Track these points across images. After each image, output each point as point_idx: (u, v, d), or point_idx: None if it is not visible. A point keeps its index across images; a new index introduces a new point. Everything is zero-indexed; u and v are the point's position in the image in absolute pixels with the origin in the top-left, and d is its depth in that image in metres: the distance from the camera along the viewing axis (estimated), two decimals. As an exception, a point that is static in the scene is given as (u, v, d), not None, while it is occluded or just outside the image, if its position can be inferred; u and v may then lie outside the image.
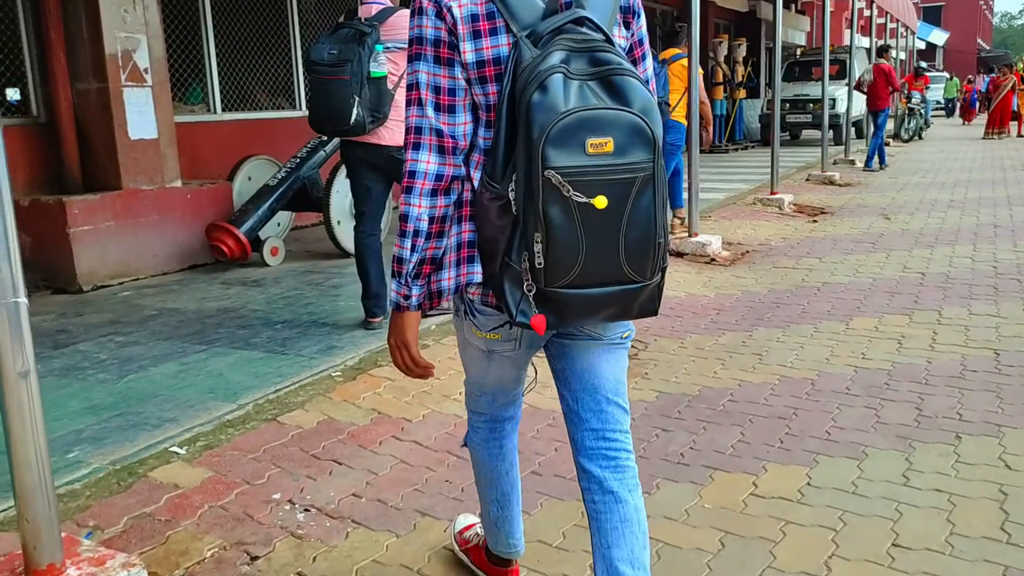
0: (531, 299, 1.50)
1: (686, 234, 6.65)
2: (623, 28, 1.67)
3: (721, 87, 17.37)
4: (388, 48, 4.09)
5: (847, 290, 5.37)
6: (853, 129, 15.88)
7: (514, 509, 2.09)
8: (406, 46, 3.31)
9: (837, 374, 3.81)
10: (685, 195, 7.02)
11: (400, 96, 4.12)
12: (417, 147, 1.58)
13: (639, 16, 1.69)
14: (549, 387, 3.67)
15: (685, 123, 7.11)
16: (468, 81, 1.58)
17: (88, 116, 5.88)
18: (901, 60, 26.37)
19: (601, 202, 1.41)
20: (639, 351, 4.23)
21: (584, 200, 1.40)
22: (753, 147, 18.09)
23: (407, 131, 1.61)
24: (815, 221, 8.22)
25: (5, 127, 5.77)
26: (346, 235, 6.29)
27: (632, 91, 1.45)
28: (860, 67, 16.76)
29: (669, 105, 7.02)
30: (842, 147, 14.93)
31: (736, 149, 17.56)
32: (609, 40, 1.52)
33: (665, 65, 7.19)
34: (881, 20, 21.80)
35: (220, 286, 5.66)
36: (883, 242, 7.00)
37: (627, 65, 1.47)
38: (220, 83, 7.54)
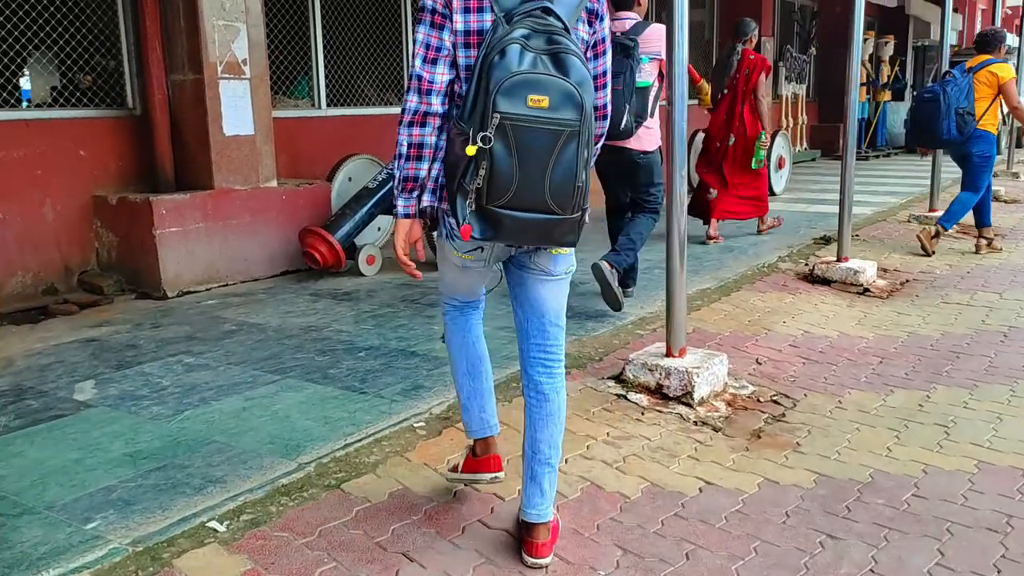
0: (471, 211, 1.91)
1: (833, 259, 5.75)
2: (587, 25, 2.08)
3: (863, 88, 16.00)
4: (650, 59, 4.54)
5: (1043, 338, 4.41)
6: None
7: (483, 383, 2.49)
8: (661, 56, 4.21)
9: (1056, 464, 2.93)
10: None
11: (654, 103, 4.66)
12: (408, 90, 2.08)
13: (602, 19, 2.11)
14: (676, 458, 2.98)
15: (995, 132, 6.45)
16: (454, 45, 2.04)
17: (182, 109, 5.51)
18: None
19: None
20: (786, 409, 3.46)
21: (506, 143, 1.85)
22: (896, 154, 16.62)
23: (408, 77, 2.09)
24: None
25: (99, 119, 5.48)
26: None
27: (573, 67, 1.88)
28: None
29: (973, 116, 6.28)
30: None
31: (877, 156, 16.16)
32: (567, 29, 1.93)
33: (970, 74, 6.40)
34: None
35: (308, 298, 5.18)
36: (1074, 275, 5.90)
37: (574, 48, 1.90)
38: (326, 76, 7.11)
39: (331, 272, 5.72)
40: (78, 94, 5.44)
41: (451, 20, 2.02)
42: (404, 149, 2.10)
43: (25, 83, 5.83)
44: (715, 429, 3.27)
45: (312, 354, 4.00)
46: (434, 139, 2.09)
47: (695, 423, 3.31)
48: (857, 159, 15.30)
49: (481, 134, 1.84)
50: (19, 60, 5.13)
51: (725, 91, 7.41)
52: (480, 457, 2.53)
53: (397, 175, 2.13)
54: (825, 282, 5.57)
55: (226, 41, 5.44)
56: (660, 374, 3.53)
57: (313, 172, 6.68)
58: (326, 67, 7.09)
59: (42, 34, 5.22)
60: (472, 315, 2.50)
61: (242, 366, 3.83)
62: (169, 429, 3.09)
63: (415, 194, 2.15)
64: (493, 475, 2.52)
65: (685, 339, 3.66)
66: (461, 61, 2.05)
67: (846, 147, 5.63)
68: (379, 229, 6.53)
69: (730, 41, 13.20)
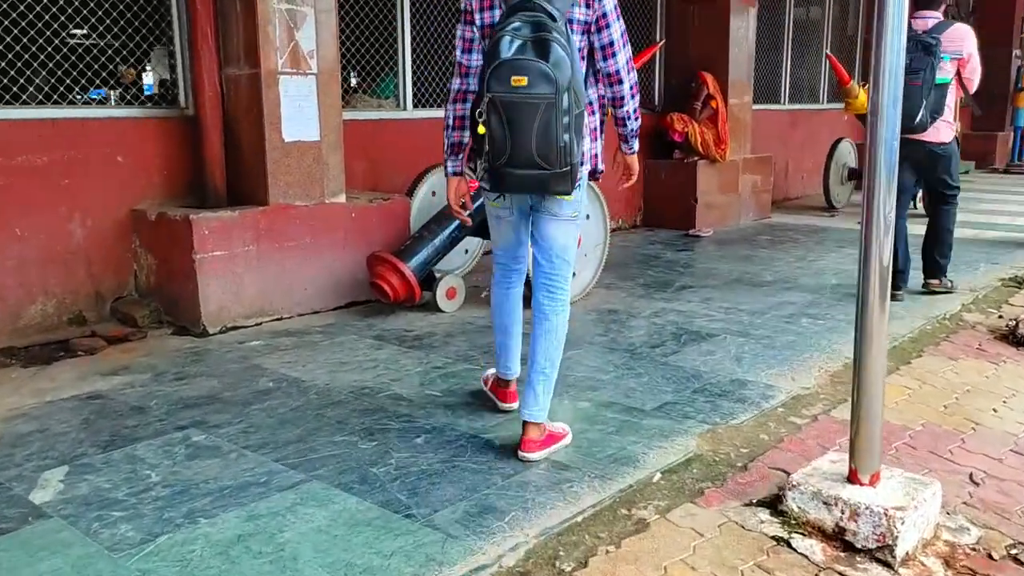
0: (484, 170, 2.55)
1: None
2: (584, 7, 2.60)
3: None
4: (951, 58, 4.74)
5: None
6: None
7: (510, 341, 3.07)
8: (962, 56, 4.73)
9: None
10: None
11: (951, 99, 4.85)
12: (453, 75, 2.81)
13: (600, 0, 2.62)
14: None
15: None
16: (482, 37, 2.68)
17: (236, 110, 4.67)
18: None
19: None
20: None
21: (498, 115, 2.44)
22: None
23: (453, 64, 2.85)
24: None
25: (144, 120, 4.69)
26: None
27: (552, 51, 2.41)
28: None
29: None
30: None
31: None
32: (553, 18, 2.45)
33: None
34: None
35: (371, 343, 4.23)
36: None
37: (555, 35, 2.42)
38: (414, 73, 6.18)
39: (405, 305, 4.77)
40: (122, 90, 4.69)
41: (475, 19, 2.68)
42: (450, 121, 2.81)
43: (148, 78, 5.08)
44: (935, 617, 2.12)
45: (356, 436, 3.04)
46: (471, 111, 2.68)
47: (901, 601, 2.16)
48: (1014, 172, 13.39)
49: (477, 111, 2.48)
50: (49, 50, 4.38)
51: None
52: (500, 388, 3.23)
53: (445, 142, 2.82)
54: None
55: (290, 29, 4.56)
56: (842, 512, 2.39)
57: (394, 183, 5.77)
58: (414, 62, 6.16)
59: (78, 18, 4.46)
60: (510, 282, 3.02)
61: (261, 453, 2.89)
62: (126, 573, 2.16)
63: (460, 156, 2.83)
64: (505, 406, 3.21)
65: (880, 456, 2.50)
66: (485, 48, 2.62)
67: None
68: (466, 251, 5.57)
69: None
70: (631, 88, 2.74)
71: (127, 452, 2.91)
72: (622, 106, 2.78)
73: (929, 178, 5.10)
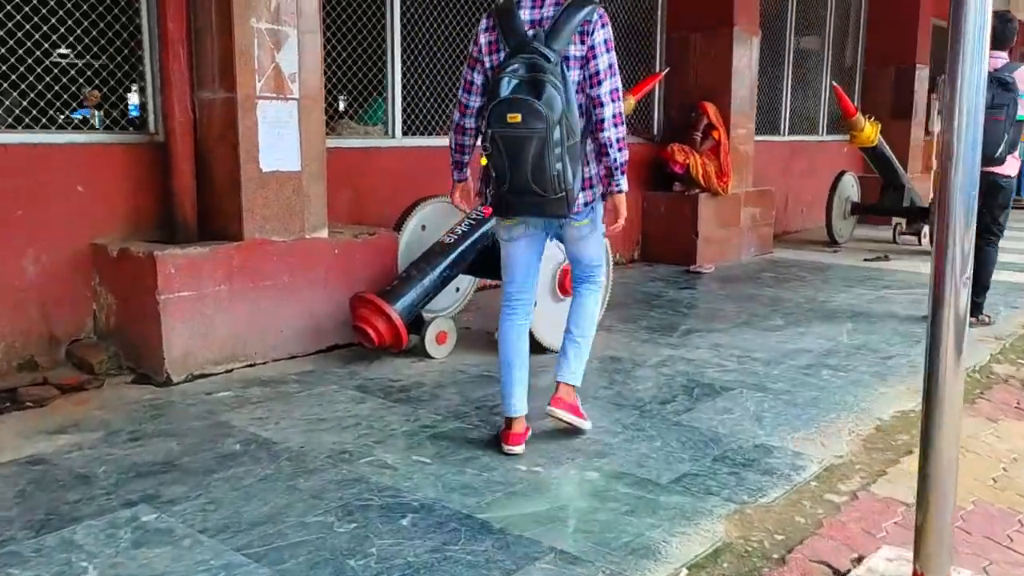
0: (491, 194, 2.93)
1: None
2: (579, 44, 2.85)
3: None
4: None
5: None
6: None
7: (514, 375, 3.12)
8: None
9: None
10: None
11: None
12: (455, 110, 3.10)
13: (592, 34, 2.85)
14: None
15: None
16: (488, 78, 2.96)
17: (210, 137, 4.29)
18: None
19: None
20: None
21: (498, 149, 2.79)
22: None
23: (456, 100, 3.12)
24: None
25: (108, 146, 4.30)
26: (547, 327, 4.30)
27: (544, 90, 2.72)
28: None
29: None
30: None
31: (1027, 207, 13.91)
32: (546, 58, 2.76)
33: None
34: None
35: (352, 394, 3.84)
36: None
37: (548, 76, 2.74)
38: (404, 98, 5.82)
39: (390, 351, 4.38)
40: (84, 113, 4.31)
41: (482, 62, 2.99)
42: (452, 145, 3.18)
43: (133, 98, 4.68)
44: None
45: (332, 515, 2.63)
46: (470, 140, 3.12)
47: None
48: (1013, 207, 13.10)
49: (484, 144, 2.85)
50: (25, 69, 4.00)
51: None
52: (504, 430, 3.15)
53: (451, 159, 3.21)
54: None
55: (270, 50, 4.20)
56: (908, 628, 2.02)
57: (381, 215, 5.40)
58: (404, 87, 5.81)
59: (36, 35, 4.09)
60: (514, 314, 3.17)
61: (220, 539, 2.48)
62: None
63: (464, 170, 3.23)
64: (508, 448, 3.10)
65: (952, 553, 2.13)
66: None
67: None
68: (457, 290, 5.19)
69: (877, 68, 11.44)
70: (613, 116, 2.90)
71: (64, 536, 2.49)
72: (602, 130, 2.91)
73: (984, 208, 5.07)
